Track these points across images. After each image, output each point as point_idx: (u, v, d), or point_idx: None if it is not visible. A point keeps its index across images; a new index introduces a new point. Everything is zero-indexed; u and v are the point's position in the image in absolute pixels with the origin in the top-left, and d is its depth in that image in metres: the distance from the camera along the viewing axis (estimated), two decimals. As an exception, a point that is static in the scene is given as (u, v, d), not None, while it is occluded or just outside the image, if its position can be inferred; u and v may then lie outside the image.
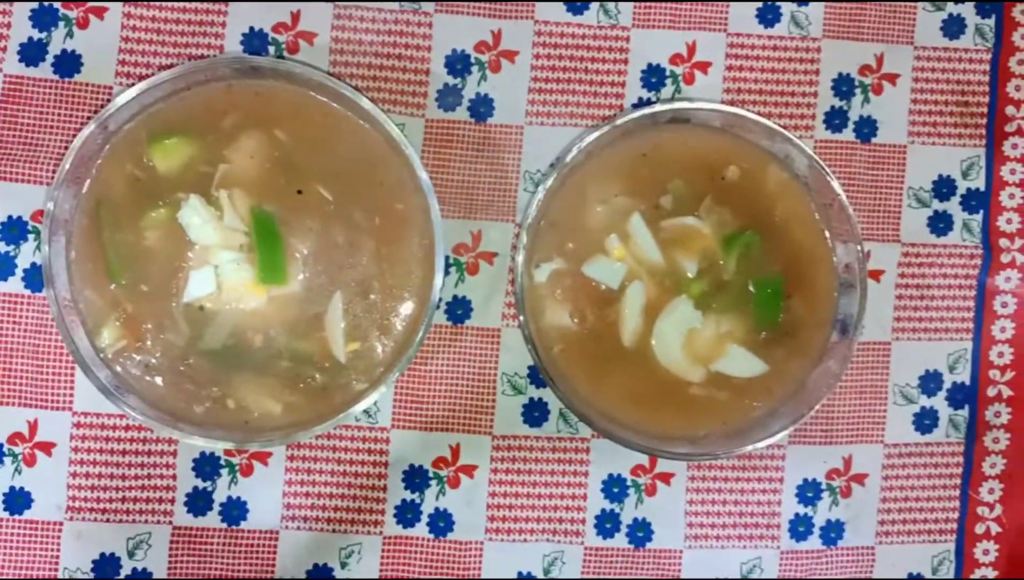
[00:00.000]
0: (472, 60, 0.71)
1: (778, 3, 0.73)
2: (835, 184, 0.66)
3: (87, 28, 0.69)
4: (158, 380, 0.63)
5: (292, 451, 0.69)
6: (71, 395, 0.68)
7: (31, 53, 0.68)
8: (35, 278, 0.68)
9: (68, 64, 0.68)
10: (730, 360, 0.66)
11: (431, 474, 0.70)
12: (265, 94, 0.64)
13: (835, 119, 0.73)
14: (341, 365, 0.64)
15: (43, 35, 0.69)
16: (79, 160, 0.61)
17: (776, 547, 0.72)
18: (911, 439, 0.73)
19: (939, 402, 0.73)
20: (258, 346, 0.63)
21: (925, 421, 0.73)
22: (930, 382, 0.73)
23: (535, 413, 0.71)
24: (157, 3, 0.69)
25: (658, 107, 0.68)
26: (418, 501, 0.70)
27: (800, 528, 0.72)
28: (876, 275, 0.73)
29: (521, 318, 0.64)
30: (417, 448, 0.70)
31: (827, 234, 0.68)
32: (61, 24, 0.69)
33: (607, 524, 0.71)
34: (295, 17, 0.70)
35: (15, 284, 0.68)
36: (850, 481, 0.73)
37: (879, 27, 0.73)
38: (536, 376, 0.70)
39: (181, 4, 0.69)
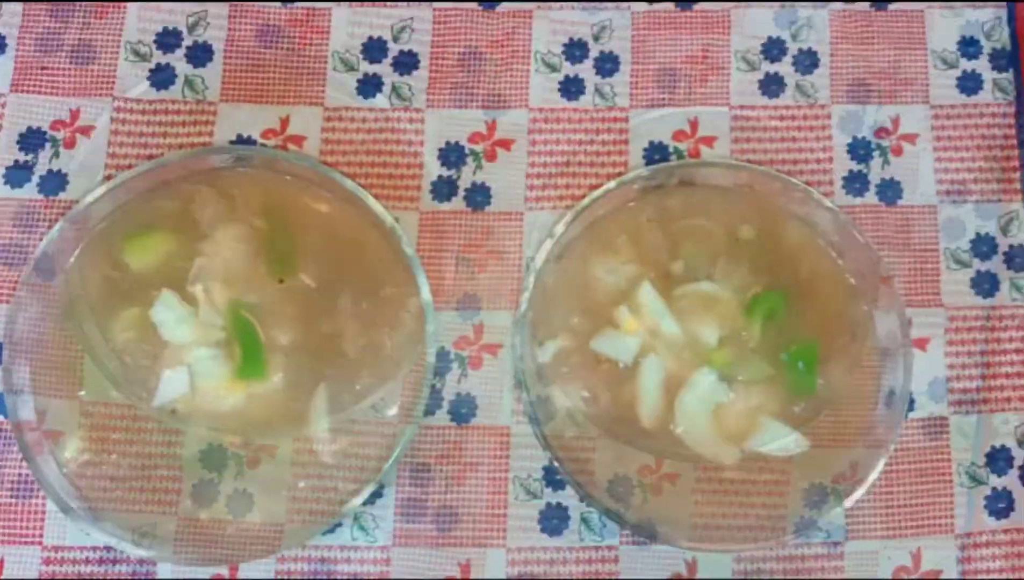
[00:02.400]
0: (466, 151, 0.68)
1: (782, 73, 0.69)
2: (859, 234, 0.60)
3: (74, 148, 0.67)
4: (126, 494, 0.57)
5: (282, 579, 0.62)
6: (41, 529, 0.62)
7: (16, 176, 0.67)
8: None
9: (53, 184, 0.67)
10: (765, 436, 0.58)
11: (441, 597, 0.62)
12: (245, 185, 0.61)
13: (855, 183, 0.68)
14: (327, 465, 0.57)
15: (29, 157, 0.67)
16: (46, 261, 0.58)
17: (846, 665, 0.62)
18: (985, 526, 0.64)
19: (1011, 481, 0.65)
20: (236, 449, 0.57)
21: (999, 504, 0.64)
22: (998, 459, 0.65)
23: (554, 520, 0.63)
24: (145, 120, 0.68)
25: (666, 165, 0.63)
26: (429, 633, 0.62)
27: (872, 640, 0.62)
28: (922, 344, 0.66)
29: (524, 398, 0.57)
30: (421, 569, 0.62)
31: (858, 292, 0.61)
32: (48, 146, 0.67)
33: (646, 645, 0.62)
34: (284, 122, 0.68)
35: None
36: (922, 579, 0.63)
37: (890, 89, 0.70)
38: (553, 478, 0.63)
39: (169, 118, 0.68)
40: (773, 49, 0.71)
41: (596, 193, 0.60)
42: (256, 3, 0.70)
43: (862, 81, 0.70)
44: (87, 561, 0.62)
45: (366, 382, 0.59)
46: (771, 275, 0.61)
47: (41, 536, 0.62)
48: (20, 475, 0.63)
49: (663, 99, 0.70)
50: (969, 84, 0.70)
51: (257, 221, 0.61)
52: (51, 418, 0.58)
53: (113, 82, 0.69)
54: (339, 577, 0.62)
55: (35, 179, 0.67)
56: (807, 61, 0.71)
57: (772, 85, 0.70)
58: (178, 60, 0.70)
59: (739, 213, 0.62)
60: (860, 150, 0.69)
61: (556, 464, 0.56)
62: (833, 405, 0.60)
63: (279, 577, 0.62)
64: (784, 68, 0.71)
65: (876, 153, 0.69)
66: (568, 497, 0.63)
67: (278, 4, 0.70)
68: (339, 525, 0.62)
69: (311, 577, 0.62)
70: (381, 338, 0.59)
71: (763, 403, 0.59)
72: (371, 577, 0.62)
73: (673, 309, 0.60)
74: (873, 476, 0.57)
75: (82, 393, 0.58)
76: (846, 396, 0.60)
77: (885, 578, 0.63)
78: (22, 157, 0.68)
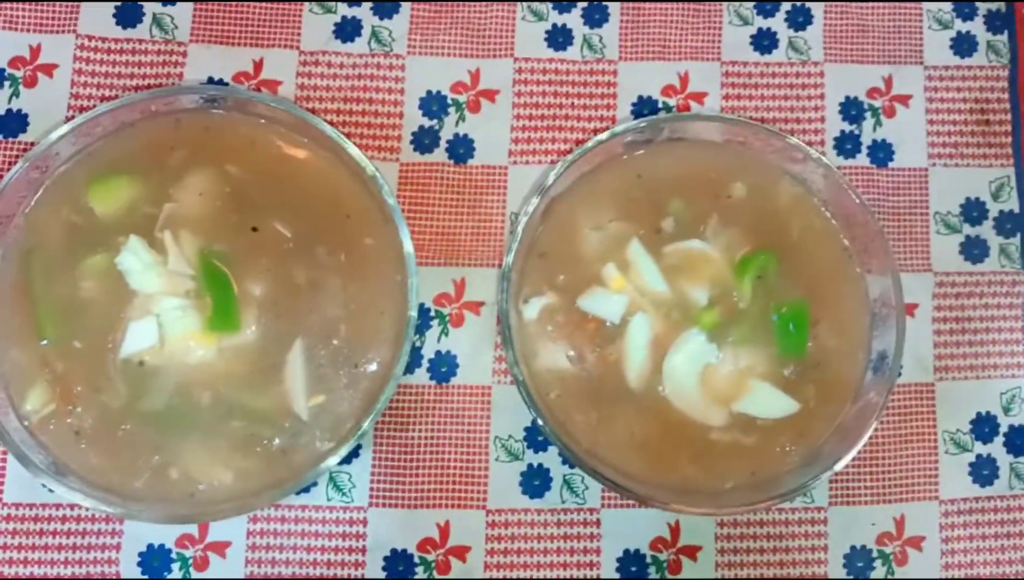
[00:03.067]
0: (449, 101, 0.65)
1: (775, 28, 0.67)
2: (855, 195, 0.58)
3: (34, 87, 0.64)
4: (90, 449, 0.54)
5: (254, 540, 0.60)
6: (1, 484, 0.59)
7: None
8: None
9: (12, 124, 0.63)
10: (754, 398, 0.57)
11: (417, 559, 0.60)
12: (216, 128, 0.58)
13: (846, 144, 0.67)
14: (303, 422, 0.55)
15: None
16: (5, 204, 0.55)
17: (828, 630, 0.61)
18: (969, 493, 0.63)
19: (996, 449, 0.64)
20: (206, 405, 0.55)
21: (983, 471, 0.63)
22: (984, 426, 0.64)
23: (535, 482, 0.61)
24: (110, 60, 0.64)
25: (659, 117, 0.61)
26: (405, 594, 0.60)
27: (853, 606, 0.61)
28: (909, 309, 0.64)
29: (508, 357, 0.55)
30: (399, 529, 0.61)
31: (851, 253, 0.60)
32: (7, 84, 0.63)
33: (626, 610, 0.61)
34: (257, 65, 0.65)
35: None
36: (905, 545, 0.62)
37: (884, 48, 0.68)
38: (534, 439, 0.61)
39: (136, 59, 0.64)
40: (766, 4, 0.69)
41: (586, 146, 0.58)
42: (229, -61, 0.66)
43: (856, 40, 0.68)
44: (49, 519, 0.59)
45: (344, 337, 0.56)
46: (762, 234, 0.59)
47: (0, 492, 0.59)
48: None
49: (653, 52, 0.67)
50: (964, 46, 0.69)
51: (230, 166, 0.58)
52: (11, 368, 0.55)
53: (76, 18, 0.65)
54: (313, 538, 0.60)
55: (-8, 119, 0.63)
56: (800, 17, 0.69)
57: (765, 41, 0.68)
58: (146, -4, 0.66)
59: (731, 170, 0.60)
60: (852, 110, 0.68)
61: (540, 423, 0.54)
62: (823, 368, 0.58)
63: (251, 537, 0.59)
64: (777, 24, 0.68)
65: (868, 114, 0.67)
66: (550, 459, 0.61)
67: (252, -59, 0.66)
68: (314, 484, 0.60)
69: (284, 537, 0.60)
70: (361, 291, 0.57)
71: (752, 365, 0.58)
72: (347, 537, 0.60)
73: (662, 267, 0.58)
74: (863, 441, 0.56)
75: (44, 343, 0.55)
76: (836, 359, 0.58)
77: (868, 543, 0.62)
78: (-22, 96, 0.64)
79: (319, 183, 0.58)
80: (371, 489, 0.61)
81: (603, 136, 0.59)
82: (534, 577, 0.60)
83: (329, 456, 0.53)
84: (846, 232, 0.60)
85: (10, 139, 0.63)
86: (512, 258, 0.57)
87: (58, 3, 0.65)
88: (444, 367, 0.62)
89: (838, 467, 0.56)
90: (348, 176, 0.58)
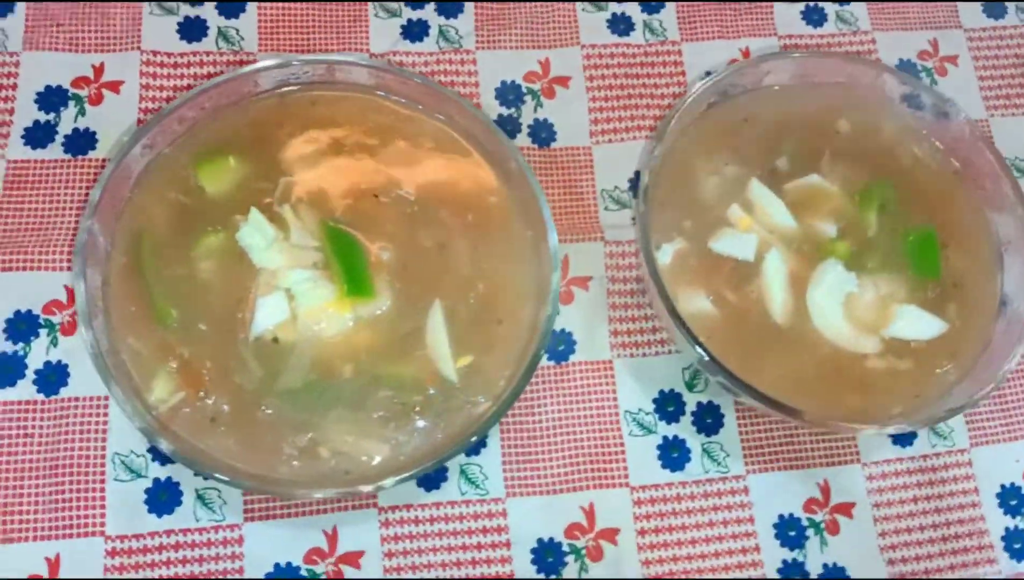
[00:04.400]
0: (524, 89, 0.65)
1: (821, 4, 0.70)
2: (962, 113, 0.59)
3: (100, 104, 0.61)
4: (230, 435, 0.49)
5: (388, 546, 0.55)
6: (102, 516, 0.53)
7: (38, 136, 0.60)
8: (49, 380, 0.55)
9: (80, 142, 0.60)
10: (903, 322, 0.55)
11: (566, 547, 0.55)
12: (322, 101, 0.57)
13: (910, 102, 0.68)
14: (453, 385, 0.51)
15: (51, 116, 0.61)
16: (113, 188, 0.51)
17: (997, 572, 0.58)
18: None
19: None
20: (348, 377, 0.51)
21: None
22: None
23: (673, 454, 0.58)
24: (178, 73, 0.63)
25: (753, 58, 0.61)
26: (554, 590, 0.55)
27: (1016, 545, 0.59)
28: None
29: (659, 297, 0.53)
30: (542, 517, 0.56)
31: (962, 175, 0.60)
32: (71, 104, 0.61)
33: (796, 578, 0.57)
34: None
35: (25, 389, 0.55)
36: (1055, 477, 0.60)
37: (924, 16, 0.73)
38: (664, 410, 0.59)
39: (205, 70, 0.63)
40: (808, -17, 0.71)
41: (687, 98, 0.58)
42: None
43: (897, 9, 0.71)
44: (161, 548, 0.53)
45: (483, 294, 0.53)
46: (875, 166, 0.59)
47: (103, 526, 0.53)
48: (73, 460, 0.54)
49: (712, 32, 0.69)
50: (995, 10, 0.72)
51: (342, 137, 0.55)
52: (131, 359, 0.50)
53: (139, 36, 0.63)
54: (452, 536, 0.55)
55: (59, 138, 0.60)
56: (841, -9, 0.71)
57: (814, 15, 0.70)
58: (208, 13, 0.65)
59: (832, 108, 0.61)
60: (907, 72, 0.69)
61: (705, 358, 0.51)
62: (961, 287, 0.57)
63: (385, 543, 0.54)
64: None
65: (923, 74, 0.70)
66: (684, 429, 0.59)
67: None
68: (444, 480, 0.56)
69: (421, 539, 0.55)
70: (492, 249, 0.54)
71: (893, 290, 0.57)
72: (488, 532, 0.55)
73: (786, 203, 0.57)
74: (1021, 348, 0.54)
75: (169, 326, 0.51)
76: (972, 277, 0.58)
77: (1016, 481, 0.60)
78: (43, 117, 0.61)
79: (432, 146, 0.56)
80: (505, 478, 0.56)
81: (700, 84, 0.59)
82: (692, 553, 0.56)
83: (489, 415, 0.49)
84: (956, 156, 0.60)
85: (79, 157, 0.60)
86: (637, 209, 0.55)
87: (119, 22, 0.63)
88: (561, 346, 0.59)
89: (1007, 370, 0.54)
90: (463, 136, 0.56)
